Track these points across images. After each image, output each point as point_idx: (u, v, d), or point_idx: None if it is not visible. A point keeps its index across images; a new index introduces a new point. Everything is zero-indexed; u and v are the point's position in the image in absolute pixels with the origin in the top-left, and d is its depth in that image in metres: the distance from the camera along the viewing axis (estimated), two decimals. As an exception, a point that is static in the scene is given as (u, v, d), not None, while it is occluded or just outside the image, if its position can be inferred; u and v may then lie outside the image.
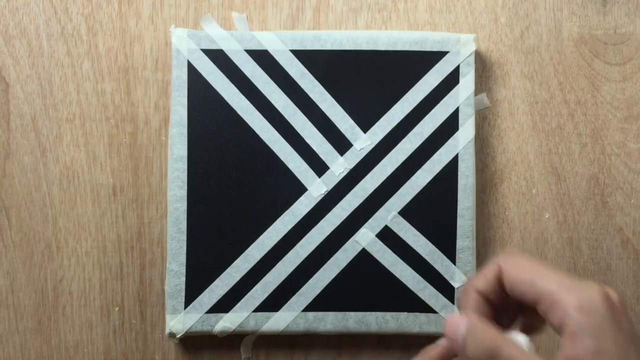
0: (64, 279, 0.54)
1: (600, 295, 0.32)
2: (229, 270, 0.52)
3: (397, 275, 0.52)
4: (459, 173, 0.53)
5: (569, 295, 0.32)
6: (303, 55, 0.53)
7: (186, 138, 0.52)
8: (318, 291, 0.52)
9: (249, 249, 0.52)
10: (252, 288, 0.52)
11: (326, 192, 0.53)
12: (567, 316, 0.32)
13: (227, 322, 0.52)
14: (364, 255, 0.52)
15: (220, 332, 0.52)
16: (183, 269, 0.52)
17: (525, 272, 0.34)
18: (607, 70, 0.54)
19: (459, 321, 0.35)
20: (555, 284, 0.33)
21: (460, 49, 0.53)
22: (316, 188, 0.52)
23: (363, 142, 0.53)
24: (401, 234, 0.52)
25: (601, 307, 0.32)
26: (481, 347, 0.34)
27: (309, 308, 0.52)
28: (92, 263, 0.54)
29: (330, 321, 0.52)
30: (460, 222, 0.52)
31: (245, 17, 0.55)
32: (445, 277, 0.52)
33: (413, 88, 0.53)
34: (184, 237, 0.52)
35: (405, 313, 0.52)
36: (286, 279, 0.52)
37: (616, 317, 0.32)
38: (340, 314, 0.52)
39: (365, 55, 0.53)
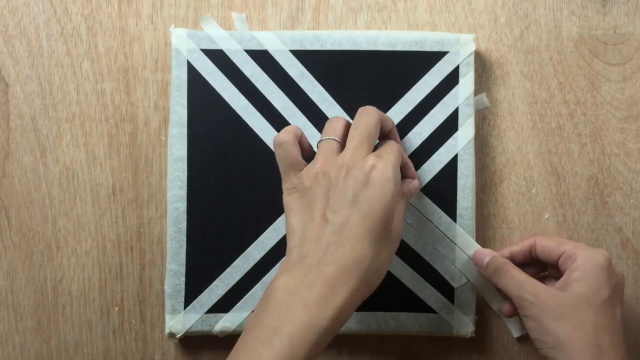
0: (63, 279, 0.54)
1: (604, 256, 0.47)
2: (228, 270, 0.52)
3: (397, 275, 0.52)
4: (459, 173, 0.53)
5: (581, 253, 0.47)
6: (303, 55, 0.53)
7: (186, 138, 0.52)
8: (318, 291, 0.52)
9: (249, 249, 0.52)
10: (252, 288, 0.52)
11: (326, 192, 0.52)
12: (578, 264, 0.47)
13: (227, 322, 0.52)
14: (363, 255, 0.52)
15: (220, 332, 0.52)
16: (183, 269, 0.52)
17: (555, 240, 0.50)
18: (607, 70, 0.54)
19: (485, 252, 0.51)
20: (574, 246, 0.49)
21: (460, 49, 0.53)
22: (316, 188, 0.52)
23: (363, 142, 0.53)
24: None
25: (602, 264, 0.46)
26: (493, 266, 0.50)
27: (308, 308, 0.52)
28: (91, 263, 0.54)
29: (330, 321, 0.52)
30: (460, 222, 0.52)
31: (245, 17, 0.55)
32: (445, 277, 0.52)
33: (413, 88, 0.53)
34: (183, 237, 0.52)
35: (405, 313, 0.52)
36: (286, 279, 0.52)
37: (610, 272, 0.47)
38: (340, 314, 0.52)
39: (365, 56, 0.53)
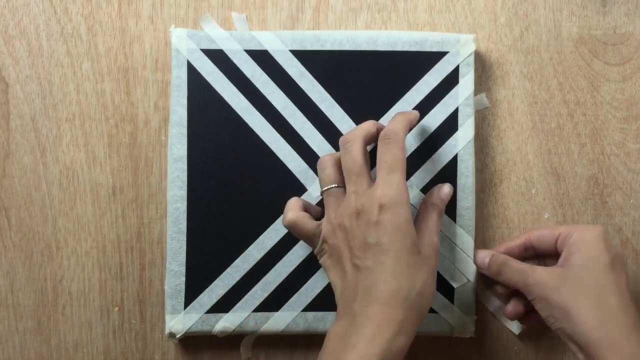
0: (63, 279, 0.54)
1: (599, 229, 0.48)
2: (228, 270, 0.52)
3: (397, 275, 0.52)
4: (459, 173, 0.53)
5: (577, 229, 0.48)
6: (303, 56, 0.53)
7: (186, 138, 0.52)
8: (318, 291, 0.52)
9: (249, 249, 0.52)
10: (252, 288, 0.52)
11: (326, 192, 0.53)
12: (575, 239, 0.48)
13: (227, 322, 0.52)
14: (363, 255, 0.52)
15: (220, 332, 0.52)
16: (183, 269, 0.52)
17: (548, 227, 0.51)
18: (607, 70, 0.55)
19: (485, 253, 0.52)
20: (568, 226, 0.50)
21: (460, 49, 0.53)
22: (316, 188, 0.52)
23: (363, 142, 0.53)
24: (401, 234, 0.52)
25: (599, 235, 0.47)
26: (496, 264, 0.50)
27: (309, 308, 0.52)
28: (91, 263, 0.54)
29: (330, 321, 0.52)
30: (460, 222, 0.52)
31: (245, 17, 0.55)
32: (445, 277, 0.52)
33: (413, 88, 0.53)
34: (183, 237, 0.52)
35: (405, 313, 0.52)
36: (286, 279, 0.52)
37: (607, 242, 0.47)
38: (340, 314, 0.52)
39: (365, 56, 0.53)
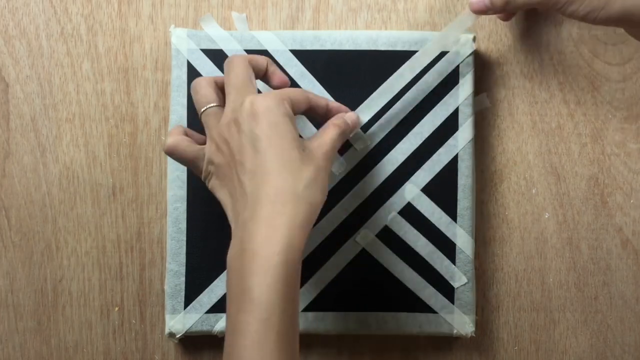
0: (63, 279, 0.54)
1: None
2: (228, 270, 0.52)
3: (397, 275, 0.52)
4: (459, 173, 0.53)
5: None
6: (303, 55, 0.53)
7: (186, 138, 0.52)
8: (318, 291, 0.52)
9: (249, 249, 0.52)
10: (252, 288, 0.52)
11: (326, 192, 0.53)
12: None
13: (227, 322, 0.52)
14: (364, 255, 0.52)
15: (220, 332, 0.52)
16: (183, 269, 0.52)
17: None
18: (607, 70, 0.54)
19: None
20: None
21: (460, 49, 0.53)
22: (316, 188, 0.52)
23: (363, 142, 0.53)
24: (401, 234, 0.52)
25: None
26: None
27: (309, 308, 0.52)
28: (91, 263, 0.54)
29: (330, 321, 0.52)
30: (460, 222, 0.52)
31: (245, 17, 0.55)
32: (445, 277, 0.52)
33: (413, 88, 0.53)
34: (183, 237, 0.52)
35: (405, 313, 0.52)
36: (286, 279, 0.52)
37: None
38: (340, 314, 0.52)
39: (365, 55, 0.53)
